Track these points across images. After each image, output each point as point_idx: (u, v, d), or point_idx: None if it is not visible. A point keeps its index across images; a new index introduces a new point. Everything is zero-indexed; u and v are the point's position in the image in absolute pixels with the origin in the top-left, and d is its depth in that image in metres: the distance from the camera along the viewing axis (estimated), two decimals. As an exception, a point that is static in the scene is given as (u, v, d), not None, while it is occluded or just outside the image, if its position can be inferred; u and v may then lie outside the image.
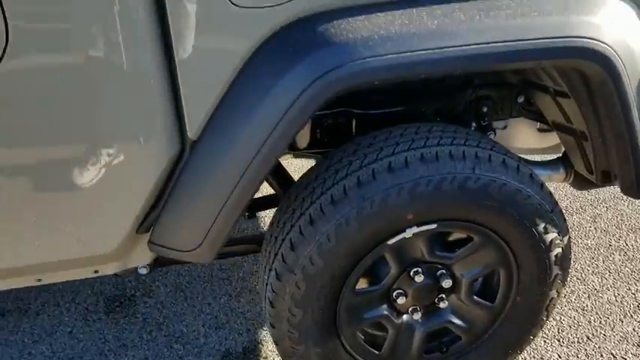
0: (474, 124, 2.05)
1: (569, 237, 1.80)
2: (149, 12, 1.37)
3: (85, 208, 1.54)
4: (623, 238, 2.91)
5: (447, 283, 1.80)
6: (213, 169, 1.51)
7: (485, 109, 2.03)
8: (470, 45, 1.39)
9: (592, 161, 1.83)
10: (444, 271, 1.80)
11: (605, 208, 3.14)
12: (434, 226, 1.67)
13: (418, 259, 1.77)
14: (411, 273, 1.78)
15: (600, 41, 1.47)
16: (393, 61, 1.37)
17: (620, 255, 2.78)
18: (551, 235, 1.73)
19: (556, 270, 1.81)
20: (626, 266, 2.70)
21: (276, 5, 1.40)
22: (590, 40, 1.46)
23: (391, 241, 1.67)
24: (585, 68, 1.52)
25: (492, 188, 1.62)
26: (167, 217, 1.60)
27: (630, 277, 2.63)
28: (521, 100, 2.06)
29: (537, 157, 2.53)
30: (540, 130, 2.26)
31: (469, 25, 1.41)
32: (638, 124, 1.61)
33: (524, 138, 2.29)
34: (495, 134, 2.08)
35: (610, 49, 1.48)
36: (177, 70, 1.43)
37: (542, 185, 1.70)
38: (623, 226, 2.99)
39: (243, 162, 1.48)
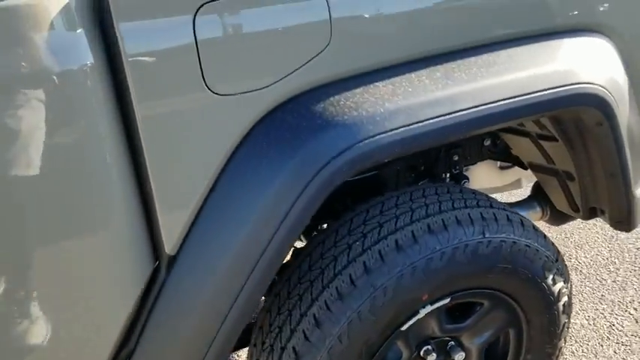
0: (447, 175, 1.94)
1: (571, 282, 1.72)
2: (109, 107, 1.09)
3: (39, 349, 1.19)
4: (573, 255, 2.95)
5: (459, 357, 1.64)
6: (198, 291, 1.23)
7: (456, 158, 1.93)
8: (479, 107, 1.26)
9: (578, 199, 1.77)
10: (453, 343, 1.65)
11: (547, 228, 3.19)
12: (447, 300, 1.51)
13: (428, 337, 1.60)
14: (422, 353, 1.60)
15: (596, 84, 1.41)
16: (404, 134, 1.20)
17: (575, 274, 2.80)
18: (559, 285, 1.64)
19: (564, 319, 1.72)
20: (585, 285, 2.73)
21: (262, 88, 1.18)
22: (588, 85, 1.39)
23: (405, 327, 1.48)
24: (582, 113, 1.45)
25: (504, 249, 1.49)
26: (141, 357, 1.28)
27: (593, 296, 2.65)
28: (487, 143, 1.98)
29: (500, 197, 2.48)
30: (501, 167, 2.21)
31: (473, 85, 1.28)
32: (629, 159, 1.57)
33: (486, 178, 2.22)
34: (469, 181, 1.99)
35: (604, 90, 1.42)
36: (147, 171, 1.15)
37: (544, 236, 1.61)
38: (570, 243, 3.05)
39: (237, 279, 1.22)
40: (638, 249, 2.92)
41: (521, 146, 1.84)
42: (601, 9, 1.49)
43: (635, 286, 2.67)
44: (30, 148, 1.04)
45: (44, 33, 1.01)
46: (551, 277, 1.61)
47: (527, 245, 1.53)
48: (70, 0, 1.02)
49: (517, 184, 2.29)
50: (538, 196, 2.02)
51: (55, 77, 1.03)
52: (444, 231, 1.43)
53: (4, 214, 1.05)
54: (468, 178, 1.98)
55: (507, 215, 1.54)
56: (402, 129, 1.20)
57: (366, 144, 1.18)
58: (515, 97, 1.29)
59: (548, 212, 2.02)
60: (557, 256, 1.64)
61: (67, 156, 1.08)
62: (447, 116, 1.22)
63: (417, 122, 1.20)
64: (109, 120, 1.11)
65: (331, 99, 1.21)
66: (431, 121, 1.21)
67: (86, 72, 1.06)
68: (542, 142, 1.70)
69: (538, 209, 2.02)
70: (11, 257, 1.09)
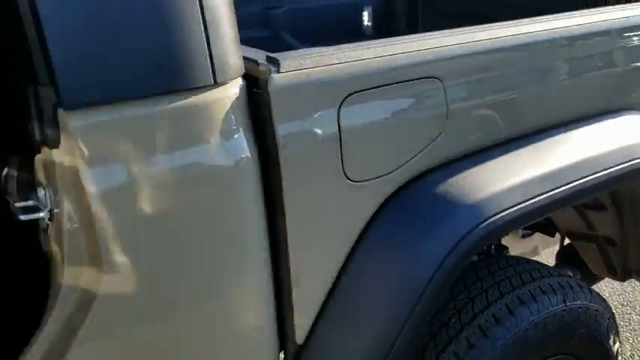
0: (492, 246, 2.02)
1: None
2: (259, 197, 1.10)
3: None
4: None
5: None
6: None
7: (497, 228, 2.02)
8: (579, 180, 1.37)
9: (617, 262, 1.91)
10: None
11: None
12: (535, 371, 1.55)
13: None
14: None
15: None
16: (521, 211, 1.28)
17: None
18: (616, 342, 1.74)
19: (617, 376, 1.81)
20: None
21: (388, 173, 1.23)
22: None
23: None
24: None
25: (581, 315, 1.57)
26: None
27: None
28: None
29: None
30: (523, 235, 2.33)
31: (571, 160, 1.40)
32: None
33: (510, 246, 2.33)
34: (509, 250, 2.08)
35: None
36: (287, 256, 1.15)
37: (603, 298, 1.71)
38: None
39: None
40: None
41: (562, 215, 1.97)
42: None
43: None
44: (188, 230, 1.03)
45: (213, 132, 1.02)
46: (611, 335, 1.70)
47: (595, 309, 1.62)
48: (233, 102, 1.04)
49: (535, 251, 2.41)
50: (569, 260, 2.14)
51: (219, 171, 1.04)
52: (534, 302, 1.49)
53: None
54: (508, 248, 2.07)
55: (577, 282, 1.63)
56: (519, 206, 1.27)
57: (490, 223, 1.24)
58: (608, 168, 1.42)
59: (579, 275, 2.14)
60: (612, 313, 1.74)
61: (220, 238, 1.08)
62: (554, 191, 1.32)
63: (531, 198, 1.28)
64: (258, 207, 1.11)
65: (450, 180, 1.27)
66: (542, 196, 1.30)
67: (243, 165, 1.06)
68: (589, 211, 1.83)
69: (570, 274, 2.14)
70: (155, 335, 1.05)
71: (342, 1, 3.02)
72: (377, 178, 1.22)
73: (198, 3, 0.95)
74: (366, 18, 3.11)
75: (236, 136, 1.05)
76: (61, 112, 0.89)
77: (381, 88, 1.19)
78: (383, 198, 1.25)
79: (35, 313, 1.09)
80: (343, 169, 1.17)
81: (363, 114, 1.18)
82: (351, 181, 1.19)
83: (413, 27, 3.11)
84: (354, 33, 3.00)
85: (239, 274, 1.14)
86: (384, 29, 3.07)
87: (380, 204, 1.25)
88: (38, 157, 0.97)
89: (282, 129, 1.08)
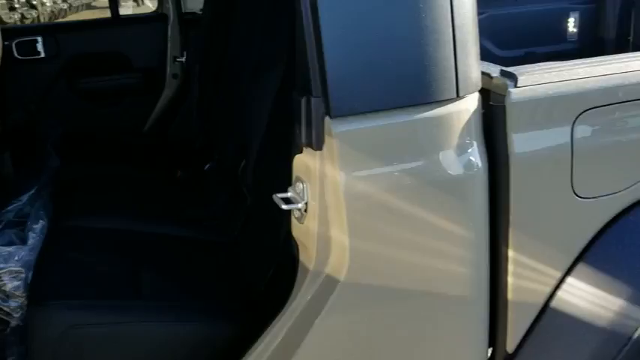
0: None
1: None
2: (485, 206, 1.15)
3: None
4: None
5: None
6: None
7: None
8: None
9: None
10: None
11: None
12: None
13: None
14: None
15: None
16: None
17: None
18: None
19: None
20: None
21: (617, 192, 1.21)
22: None
23: None
24: None
25: None
26: None
27: None
28: None
29: None
30: None
31: None
32: None
33: None
34: None
35: None
36: (506, 264, 1.19)
37: None
38: None
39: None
40: None
41: None
42: None
43: None
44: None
45: (451, 142, 1.10)
46: None
47: None
48: (471, 115, 1.11)
49: None
50: None
51: (452, 179, 1.11)
52: None
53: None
54: None
55: None
56: None
57: None
58: None
59: None
60: None
61: (444, 241, 1.16)
62: None
63: None
64: (483, 218, 1.16)
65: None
66: None
67: (474, 176, 1.13)
68: None
69: None
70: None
71: (546, 7, 2.93)
72: (605, 196, 1.21)
73: (451, 23, 1.03)
74: (571, 25, 2.97)
75: (470, 147, 1.12)
76: (327, 119, 1.03)
77: (617, 105, 1.18)
78: (609, 217, 1.23)
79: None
80: (572, 184, 1.17)
81: (597, 131, 1.18)
82: (579, 197, 1.19)
83: (624, 36, 2.90)
84: (557, 40, 2.89)
85: (458, 276, 1.20)
86: (590, 37, 2.92)
87: (605, 222, 1.23)
88: (299, 157, 1.13)
89: (516, 142, 1.13)
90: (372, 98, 1.03)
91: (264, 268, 1.61)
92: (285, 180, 1.59)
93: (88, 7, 20.31)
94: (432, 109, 1.07)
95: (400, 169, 1.08)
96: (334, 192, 1.06)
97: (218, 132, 2.28)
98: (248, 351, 1.22)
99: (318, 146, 1.05)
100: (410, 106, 1.05)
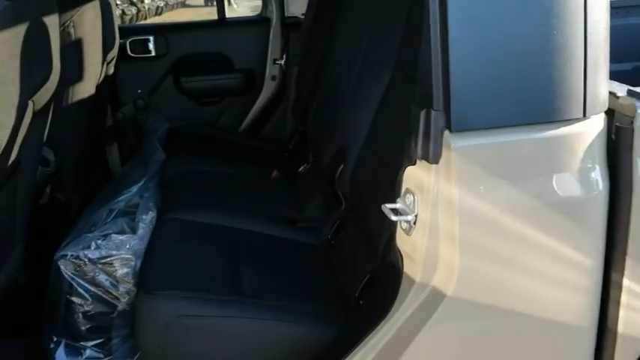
0: None
1: None
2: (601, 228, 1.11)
3: None
4: None
5: None
6: None
7: None
8: None
9: None
10: None
11: None
12: None
13: None
14: None
15: None
16: None
17: None
18: None
19: None
20: None
21: None
22: None
23: None
24: None
25: None
26: None
27: None
28: None
29: None
30: None
31: None
32: None
33: None
34: None
35: None
36: (619, 295, 1.14)
37: None
38: None
39: None
40: None
41: None
42: None
43: None
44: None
45: (573, 163, 1.06)
46: None
47: None
48: (595, 136, 1.07)
49: None
50: None
51: (571, 201, 1.07)
52: None
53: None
54: None
55: None
56: None
57: None
58: None
59: None
60: None
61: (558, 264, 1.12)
62: None
63: None
64: (599, 242, 1.12)
65: None
66: None
67: (594, 198, 1.08)
68: None
69: None
70: None
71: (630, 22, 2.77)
72: None
73: (583, 40, 0.99)
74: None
75: (592, 169, 1.07)
76: (446, 133, 1.02)
77: None
78: None
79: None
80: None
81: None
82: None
83: None
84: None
85: (567, 302, 1.16)
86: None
87: None
88: (412, 169, 1.13)
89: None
90: (495, 114, 1.01)
91: (358, 274, 1.62)
92: (383, 189, 1.60)
93: (183, 5, 21.28)
94: (556, 128, 1.03)
95: (518, 187, 1.05)
96: (448, 207, 1.05)
97: (314, 135, 2.32)
98: (345, 357, 1.23)
99: (435, 160, 1.04)
100: (534, 123, 1.03)
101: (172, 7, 20.54)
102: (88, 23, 2.07)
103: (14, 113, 1.25)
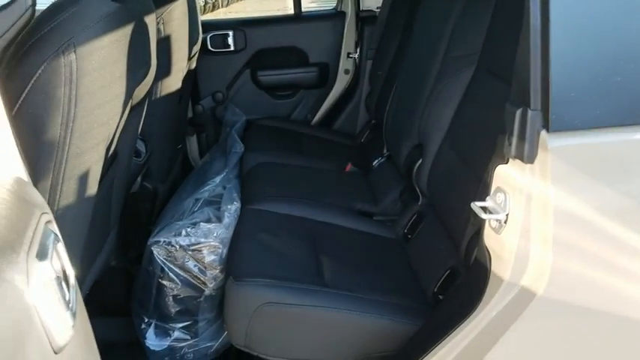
0: None
1: None
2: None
3: None
4: None
5: None
6: None
7: None
8: None
9: None
10: None
11: None
12: None
13: None
14: None
15: None
16: None
17: None
18: None
19: None
20: None
21: None
22: None
23: None
24: None
25: None
26: None
27: None
28: None
29: None
30: None
31: None
32: None
33: None
34: None
35: None
36: None
37: None
38: None
39: None
40: None
41: None
42: None
43: None
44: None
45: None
46: None
47: None
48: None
49: None
50: None
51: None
52: None
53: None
54: None
55: None
56: None
57: None
58: None
59: None
60: None
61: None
62: None
63: None
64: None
65: None
66: None
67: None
68: None
69: None
70: None
71: None
72: None
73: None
74: None
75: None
76: (543, 133, 1.02)
77: None
78: None
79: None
80: None
81: None
82: None
83: None
84: None
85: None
86: None
87: None
88: (504, 167, 1.13)
89: None
90: (596, 114, 1.00)
91: (438, 269, 1.64)
92: (464, 185, 1.60)
93: (249, -6, 21.53)
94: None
95: (615, 189, 1.04)
96: (542, 207, 1.04)
97: (390, 129, 2.34)
98: (429, 352, 1.25)
99: (530, 159, 1.04)
100: (633, 124, 1.01)
101: (239, -2, 20.91)
102: (176, 20, 2.16)
103: (121, 108, 1.34)
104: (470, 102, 1.71)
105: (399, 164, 2.09)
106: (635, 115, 1.01)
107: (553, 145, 1.02)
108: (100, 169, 1.35)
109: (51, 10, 1.13)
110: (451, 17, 1.92)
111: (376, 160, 2.42)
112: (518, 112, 1.04)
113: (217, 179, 2.07)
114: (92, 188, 1.32)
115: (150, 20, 1.56)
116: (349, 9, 3.00)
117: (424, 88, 1.94)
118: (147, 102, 1.77)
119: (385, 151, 2.41)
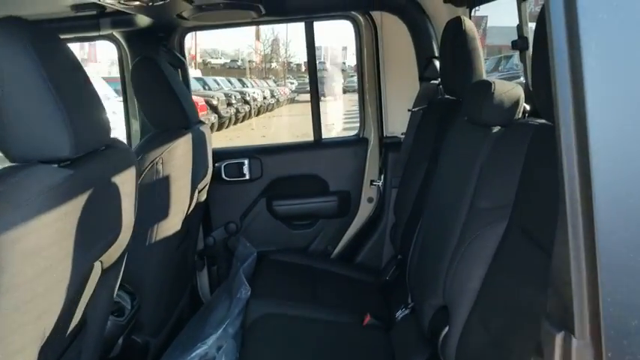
0: None
1: None
2: None
3: None
4: None
5: None
6: None
7: None
8: None
9: None
10: None
11: None
12: None
13: None
14: None
15: None
16: None
17: None
18: None
19: None
20: None
21: None
22: None
23: None
24: None
25: None
26: None
27: None
28: None
29: None
30: None
31: None
32: None
33: None
34: None
35: None
36: None
37: None
38: None
39: None
40: None
41: None
42: None
43: None
44: None
45: None
46: None
47: None
48: None
49: None
50: None
51: None
52: None
53: None
54: None
55: None
56: None
57: None
58: None
59: None
60: None
61: None
62: None
63: None
64: None
65: None
66: None
67: None
68: None
69: None
70: None
71: None
72: None
73: None
74: None
75: None
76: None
77: None
78: None
79: None
80: None
81: None
82: None
83: None
84: None
85: None
86: None
87: None
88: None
89: None
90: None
91: None
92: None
93: (292, 101, 22.49)
94: None
95: None
96: None
97: (415, 279, 2.04)
98: None
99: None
100: None
101: (282, 104, 21.72)
102: (178, 159, 2.01)
103: (65, 293, 1.11)
104: (502, 269, 1.41)
105: (423, 325, 1.77)
106: None
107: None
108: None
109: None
110: (476, 158, 1.66)
111: (399, 311, 2.11)
112: (558, 337, 0.76)
113: (210, 340, 1.80)
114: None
115: (126, 177, 1.38)
116: (372, 135, 2.82)
117: (448, 241, 1.66)
118: (134, 251, 1.56)
119: (410, 300, 2.11)
